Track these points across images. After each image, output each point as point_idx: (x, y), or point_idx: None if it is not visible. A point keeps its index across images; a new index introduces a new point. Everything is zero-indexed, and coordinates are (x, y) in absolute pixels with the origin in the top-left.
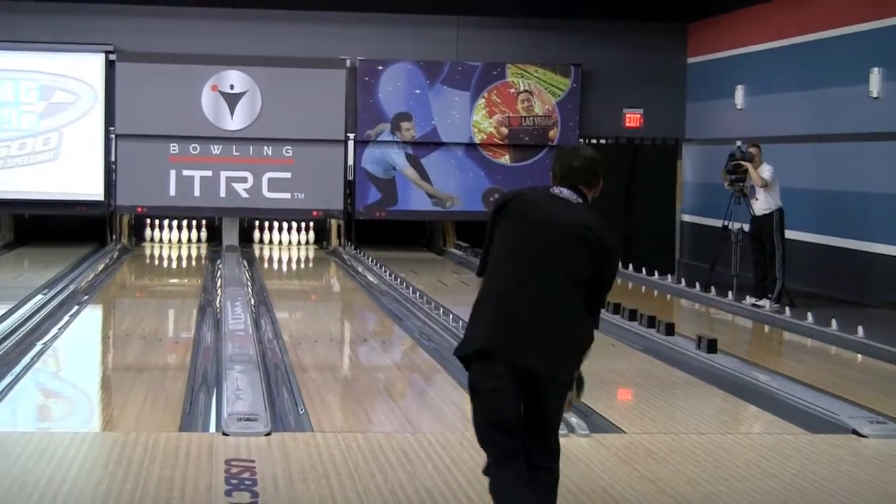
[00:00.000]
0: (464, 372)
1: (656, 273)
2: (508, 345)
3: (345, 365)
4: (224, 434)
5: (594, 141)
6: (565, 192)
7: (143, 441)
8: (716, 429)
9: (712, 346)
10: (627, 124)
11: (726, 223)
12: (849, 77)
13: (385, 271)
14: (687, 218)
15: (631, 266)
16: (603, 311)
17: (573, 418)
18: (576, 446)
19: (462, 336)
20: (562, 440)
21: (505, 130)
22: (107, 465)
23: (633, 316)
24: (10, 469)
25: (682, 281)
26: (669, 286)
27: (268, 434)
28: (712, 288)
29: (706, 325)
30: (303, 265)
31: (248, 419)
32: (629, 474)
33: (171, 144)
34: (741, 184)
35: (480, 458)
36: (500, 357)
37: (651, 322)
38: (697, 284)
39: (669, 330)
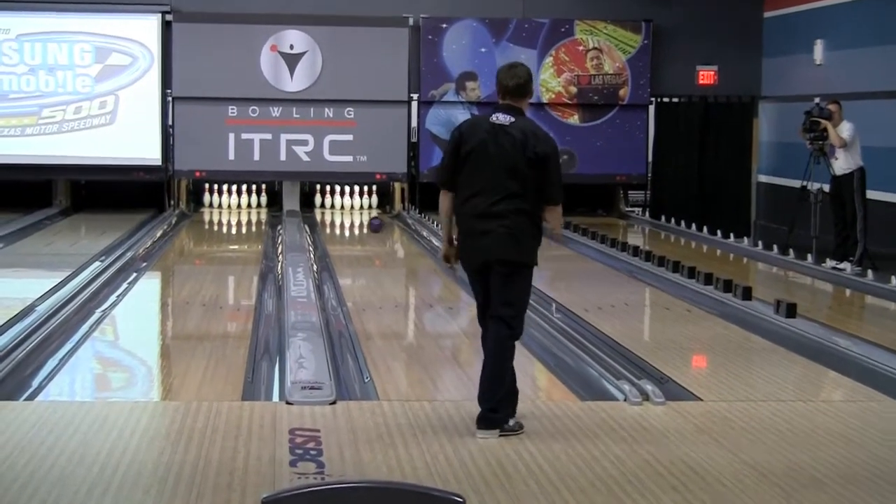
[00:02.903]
0: (534, 339)
1: (732, 236)
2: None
3: (410, 332)
4: (288, 403)
5: (666, 99)
6: (500, 118)
7: (205, 411)
8: (796, 396)
9: (791, 311)
10: (701, 82)
11: (805, 184)
12: None
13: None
14: (763, 178)
15: (706, 228)
16: (678, 275)
17: (648, 386)
18: (651, 415)
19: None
20: (637, 408)
21: (574, 90)
22: (168, 436)
23: (708, 280)
24: (70, 440)
25: (759, 244)
26: (746, 249)
27: (332, 403)
28: (790, 251)
29: (784, 290)
30: (366, 230)
31: (312, 388)
32: (707, 443)
33: (230, 107)
34: (821, 142)
35: (551, 426)
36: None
37: (727, 286)
38: (775, 247)
39: (746, 294)
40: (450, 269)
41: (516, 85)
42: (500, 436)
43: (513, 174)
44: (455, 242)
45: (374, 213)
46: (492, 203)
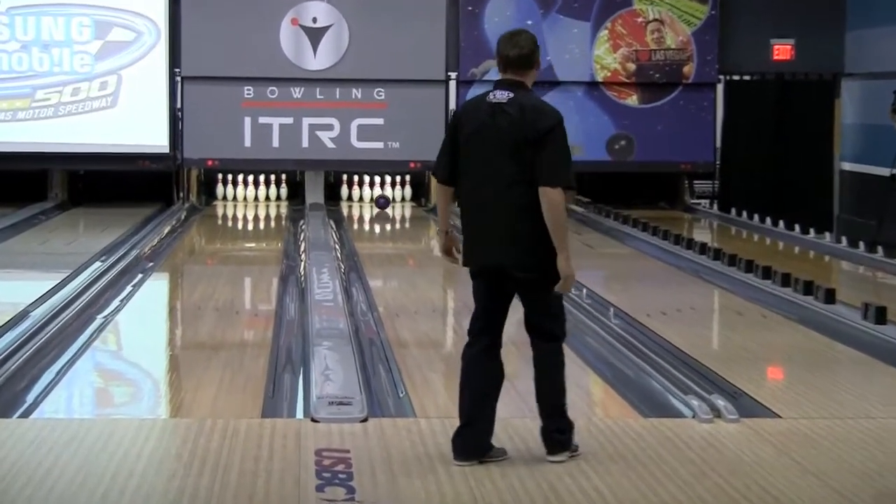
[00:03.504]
0: (588, 347)
1: (812, 231)
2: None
3: (450, 340)
4: (313, 420)
5: (737, 77)
6: (498, 95)
7: (221, 429)
8: (887, 412)
9: (881, 316)
10: (776, 57)
11: (895, 171)
12: None
13: None
14: (847, 166)
15: (782, 223)
16: (751, 275)
17: (719, 401)
18: (723, 433)
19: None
20: (707, 426)
21: (632, 66)
22: (179, 457)
23: (786, 281)
24: (71, 461)
25: (843, 240)
26: (828, 246)
27: (364, 420)
28: (879, 248)
29: (872, 291)
30: (398, 225)
31: (340, 403)
32: (787, 466)
33: (246, 88)
34: None
35: (609, 446)
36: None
37: (808, 288)
38: (861, 244)
39: (829, 297)
40: (456, 264)
41: (518, 56)
42: (570, 458)
43: (516, 159)
44: (451, 233)
45: (409, 206)
46: (494, 194)
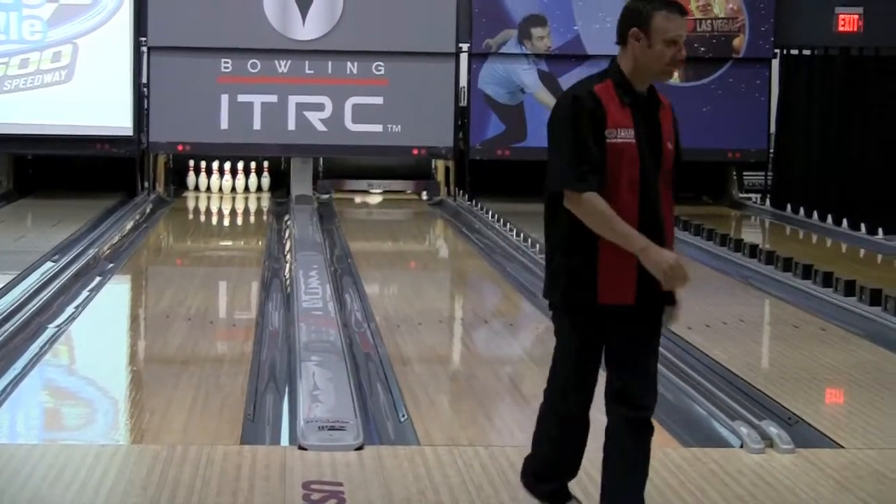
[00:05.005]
0: None
1: (881, 231)
2: None
3: (458, 355)
4: (301, 448)
5: (795, 52)
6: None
7: (193, 457)
8: None
9: None
10: (841, 28)
11: None
12: None
13: (510, 230)
14: None
15: (845, 221)
16: (808, 282)
17: (772, 428)
18: (777, 466)
19: None
20: (757, 457)
21: None
22: (145, 489)
23: (850, 290)
24: (19, 494)
25: None
26: None
27: (359, 448)
28: None
29: None
30: (400, 222)
31: (332, 428)
32: None
33: (223, 60)
34: None
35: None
36: None
37: (875, 298)
38: None
39: None
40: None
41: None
42: None
43: None
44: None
45: (411, 199)
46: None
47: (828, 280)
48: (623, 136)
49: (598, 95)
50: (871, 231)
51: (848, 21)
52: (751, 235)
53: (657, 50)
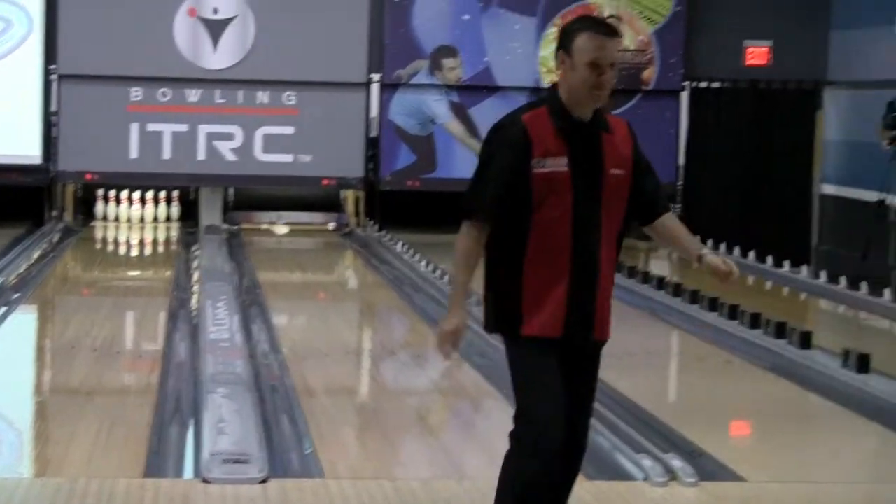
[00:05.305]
0: None
1: (786, 264)
2: None
3: (365, 387)
4: (204, 481)
5: (704, 84)
6: None
7: (95, 490)
8: (870, 476)
9: (863, 364)
10: (750, 62)
11: (884, 197)
12: None
13: (420, 260)
14: (829, 189)
15: (752, 254)
16: (715, 314)
17: (675, 461)
18: (681, 499)
19: None
20: (660, 490)
21: None
22: None
23: (755, 322)
24: None
25: (822, 275)
26: (805, 282)
27: (263, 481)
28: (863, 284)
29: (855, 336)
30: (310, 252)
31: (236, 461)
32: None
33: (133, 89)
34: None
35: None
36: None
37: (780, 330)
38: (843, 279)
39: (805, 341)
40: None
41: None
42: None
43: None
44: None
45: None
46: None
47: (733, 313)
48: (552, 164)
49: (524, 124)
50: (777, 264)
51: (757, 54)
52: (658, 268)
53: (580, 73)
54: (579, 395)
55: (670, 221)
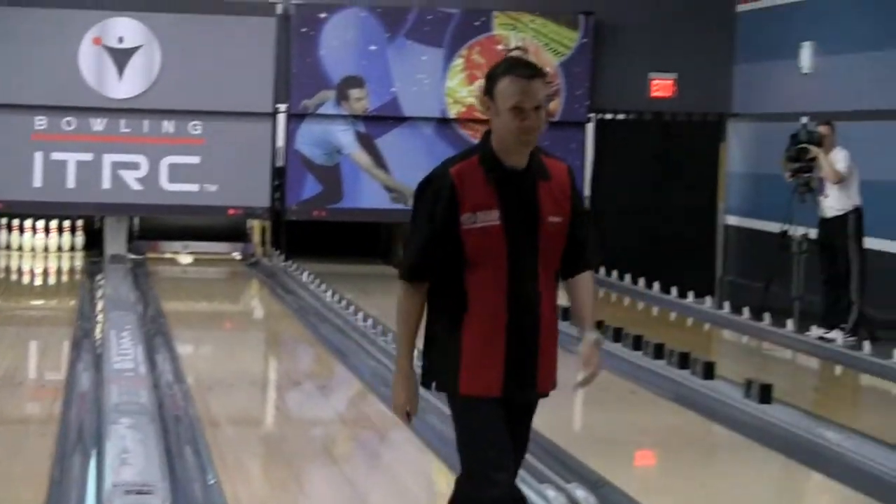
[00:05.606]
0: (428, 426)
1: (691, 295)
2: None
3: (270, 417)
4: None
5: (609, 116)
6: None
7: None
8: None
9: (766, 394)
10: (654, 94)
11: (786, 228)
12: None
13: (325, 290)
14: (733, 220)
15: (656, 285)
16: (619, 345)
17: (579, 491)
18: None
19: None
20: None
21: None
22: None
23: (658, 352)
24: None
25: (726, 305)
26: (708, 312)
27: None
28: (766, 315)
29: (757, 366)
30: (215, 282)
31: (139, 492)
32: None
33: (37, 117)
34: (808, 175)
35: None
36: None
37: (683, 361)
38: (746, 310)
39: (708, 371)
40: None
41: None
42: None
43: None
44: None
45: (226, 260)
46: None
47: (637, 343)
48: (483, 219)
49: (453, 178)
50: (682, 295)
51: (662, 86)
52: (561, 298)
53: (504, 118)
54: (514, 444)
55: (583, 285)
